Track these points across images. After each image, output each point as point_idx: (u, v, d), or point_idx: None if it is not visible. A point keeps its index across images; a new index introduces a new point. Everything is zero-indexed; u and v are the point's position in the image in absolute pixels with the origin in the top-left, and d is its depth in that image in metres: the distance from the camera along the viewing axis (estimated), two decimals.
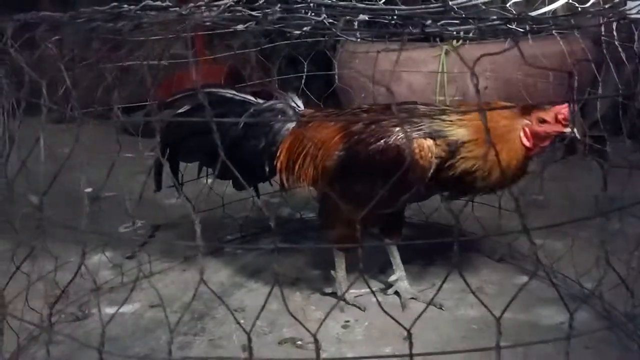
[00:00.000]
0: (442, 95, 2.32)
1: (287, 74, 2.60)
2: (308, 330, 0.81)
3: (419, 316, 0.82)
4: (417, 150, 1.29)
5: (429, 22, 1.29)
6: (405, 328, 0.76)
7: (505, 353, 1.27)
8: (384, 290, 1.56)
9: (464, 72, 2.26)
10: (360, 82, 2.61)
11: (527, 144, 1.33)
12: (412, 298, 1.51)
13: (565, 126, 1.31)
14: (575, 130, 1.34)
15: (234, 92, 1.53)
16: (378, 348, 1.32)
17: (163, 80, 3.26)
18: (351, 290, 1.53)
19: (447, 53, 2.25)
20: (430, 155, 1.30)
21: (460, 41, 2.22)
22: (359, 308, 1.47)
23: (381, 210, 1.16)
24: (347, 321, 1.44)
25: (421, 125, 1.33)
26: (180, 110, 1.51)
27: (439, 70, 2.24)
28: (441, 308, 1.47)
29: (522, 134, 1.32)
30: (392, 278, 1.55)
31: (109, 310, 1.53)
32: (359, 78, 2.61)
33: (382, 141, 1.33)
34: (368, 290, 1.54)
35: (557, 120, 1.31)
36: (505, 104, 1.42)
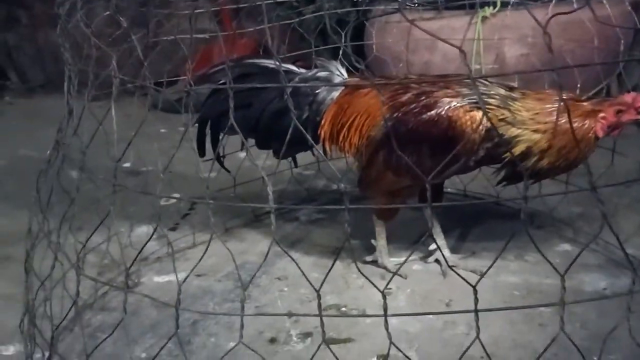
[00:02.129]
0: (478, 64, 2.28)
1: (317, 47, 2.59)
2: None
3: (484, 273, 0.82)
4: (468, 123, 1.28)
5: None
6: (470, 284, 0.77)
7: (549, 319, 1.29)
8: (424, 259, 1.58)
9: (502, 39, 2.22)
10: (394, 53, 2.59)
11: (601, 135, 1.32)
12: (453, 266, 1.52)
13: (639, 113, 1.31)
14: None
15: (277, 63, 1.53)
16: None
17: (190, 55, 3.29)
18: (392, 258, 1.55)
19: (483, 20, 2.21)
20: (481, 128, 1.29)
21: (498, 7, 2.18)
22: (401, 276, 1.49)
23: (429, 181, 1.16)
24: (390, 288, 1.46)
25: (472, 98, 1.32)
26: (220, 82, 1.52)
27: (475, 37, 2.20)
28: (482, 275, 1.47)
29: (598, 127, 1.31)
30: (432, 247, 1.56)
31: (157, 279, 1.59)
32: (393, 48, 2.59)
33: (433, 111, 1.32)
34: (409, 258, 1.57)
35: (634, 108, 1.30)
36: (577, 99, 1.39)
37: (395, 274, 1.48)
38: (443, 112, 1.32)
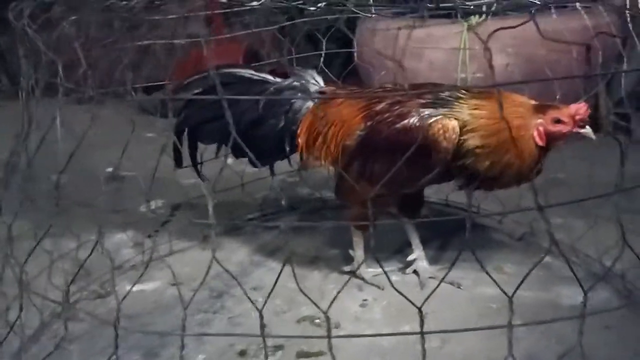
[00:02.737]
0: (463, 73, 2.28)
1: (306, 52, 2.58)
2: (319, 307, 0.80)
3: (431, 293, 0.81)
4: (441, 132, 1.27)
5: None
6: (416, 306, 0.75)
7: (524, 332, 1.28)
8: (402, 269, 1.56)
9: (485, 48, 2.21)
10: (380, 60, 2.57)
11: (540, 143, 1.29)
12: (431, 277, 1.50)
13: (582, 127, 1.26)
14: (590, 130, 1.29)
15: (252, 72, 1.52)
16: (396, 326, 1.32)
17: (180, 60, 3.28)
18: (369, 269, 1.53)
19: (468, 29, 2.20)
20: (454, 136, 1.27)
21: (483, 17, 2.17)
22: (377, 287, 1.47)
23: (401, 191, 1.15)
24: (365, 300, 1.44)
25: (442, 106, 1.31)
26: (195, 92, 1.50)
27: (460, 46, 2.19)
28: (459, 287, 1.46)
29: (535, 133, 1.28)
30: (411, 257, 1.54)
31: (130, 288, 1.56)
32: (379, 55, 2.58)
33: (406, 121, 1.31)
34: (386, 269, 1.54)
35: (574, 121, 1.26)
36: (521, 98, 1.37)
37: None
38: (416, 122, 1.31)
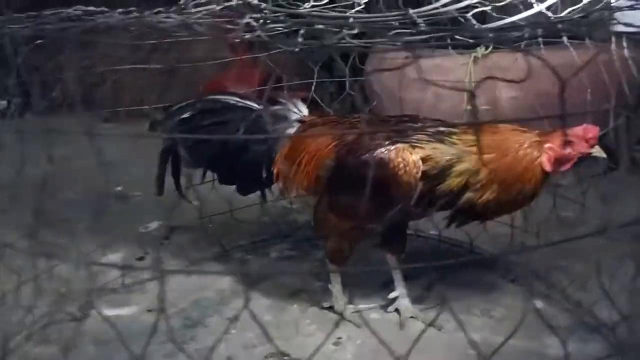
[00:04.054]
0: (470, 105, 2.22)
1: (322, 78, 2.57)
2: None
3: (417, 338, 0.76)
4: (401, 165, 1.23)
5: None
6: (390, 350, 0.71)
7: None
8: (384, 307, 1.51)
9: (493, 80, 2.16)
10: (387, 89, 2.55)
11: (548, 168, 1.25)
12: (412, 317, 1.45)
13: (592, 146, 1.24)
14: (600, 149, 1.26)
15: (237, 99, 1.52)
16: None
17: (206, 83, 3.34)
18: (350, 305, 1.48)
19: (475, 61, 2.16)
20: (415, 171, 1.23)
21: (490, 49, 2.13)
22: (355, 324, 1.42)
23: (368, 225, 1.11)
24: (340, 338, 1.39)
25: (414, 140, 1.27)
26: (183, 116, 1.51)
27: (467, 78, 2.15)
28: (440, 330, 1.40)
29: (545, 159, 1.25)
30: (393, 295, 1.49)
31: (108, 312, 1.55)
32: (387, 84, 2.55)
33: (368, 153, 1.28)
34: (367, 306, 1.50)
35: (585, 141, 1.23)
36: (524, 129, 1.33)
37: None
38: (376, 154, 1.27)
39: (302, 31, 1.04)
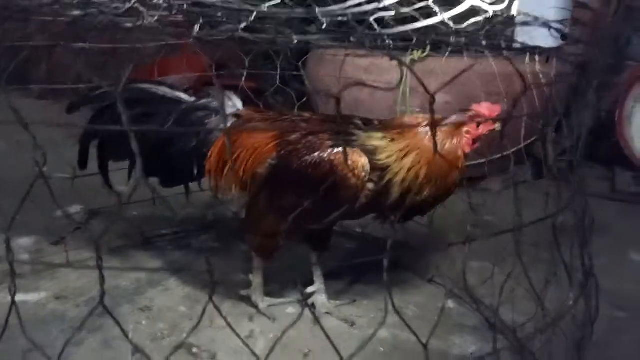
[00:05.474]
0: (404, 106, 2.26)
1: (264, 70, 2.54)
2: None
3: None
4: (350, 168, 1.22)
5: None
6: None
7: None
8: (302, 302, 1.51)
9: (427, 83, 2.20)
10: (326, 86, 2.55)
11: (468, 150, 1.32)
12: (327, 313, 1.45)
13: (495, 122, 1.31)
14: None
15: (166, 90, 1.47)
16: None
17: (140, 66, 3.24)
18: (267, 298, 1.48)
19: (412, 63, 2.19)
20: (364, 174, 1.24)
21: (426, 52, 2.16)
22: (268, 318, 1.42)
23: (310, 226, 1.09)
24: (252, 330, 1.38)
25: (355, 141, 1.28)
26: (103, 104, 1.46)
27: (401, 79, 2.17)
28: (353, 325, 1.41)
29: (465, 142, 1.31)
30: (310, 289, 1.49)
31: (9, 298, 1.48)
32: (325, 82, 2.55)
33: (315, 154, 1.27)
34: (283, 300, 1.49)
35: (491, 118, 1.30)
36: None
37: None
38: (325, 156, 1.27)
39: (200, 20, 1.02)
